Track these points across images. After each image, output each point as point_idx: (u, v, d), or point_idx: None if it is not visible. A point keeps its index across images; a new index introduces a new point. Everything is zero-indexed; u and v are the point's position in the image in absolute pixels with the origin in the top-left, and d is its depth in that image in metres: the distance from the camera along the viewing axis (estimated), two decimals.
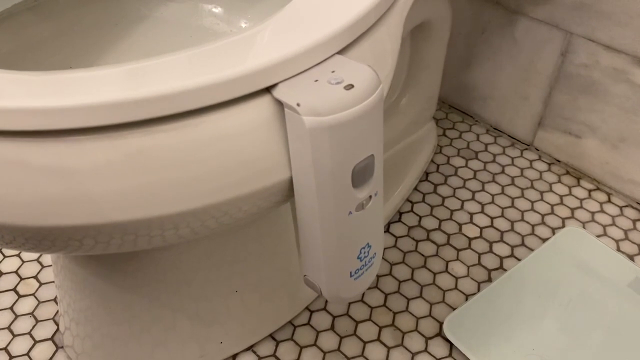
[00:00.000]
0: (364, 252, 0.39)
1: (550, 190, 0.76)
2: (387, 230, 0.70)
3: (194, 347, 0.54)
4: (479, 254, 0.67)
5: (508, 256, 0.67)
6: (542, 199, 0.75)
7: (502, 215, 0.72)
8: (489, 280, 0.64)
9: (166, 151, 0.30)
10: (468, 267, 0.66)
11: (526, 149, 0.83)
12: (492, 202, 0.74)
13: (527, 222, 0.71)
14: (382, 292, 0.63)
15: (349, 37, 0.35)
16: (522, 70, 0.78)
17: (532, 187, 0.76)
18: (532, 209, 0.73)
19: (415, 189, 0.76)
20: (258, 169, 0.33)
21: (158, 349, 0.53)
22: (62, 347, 0.57)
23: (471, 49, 0.82)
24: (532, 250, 0.68)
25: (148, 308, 0.51)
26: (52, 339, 0.58)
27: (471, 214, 0.72)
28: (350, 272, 0.38)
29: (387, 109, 0.74)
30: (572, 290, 0.62)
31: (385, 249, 0.68)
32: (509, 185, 0.77)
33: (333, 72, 0.33)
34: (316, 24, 0.34)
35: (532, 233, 0.70)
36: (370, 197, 0.36)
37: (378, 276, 0.64)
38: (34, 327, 0.59)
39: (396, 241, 0.69)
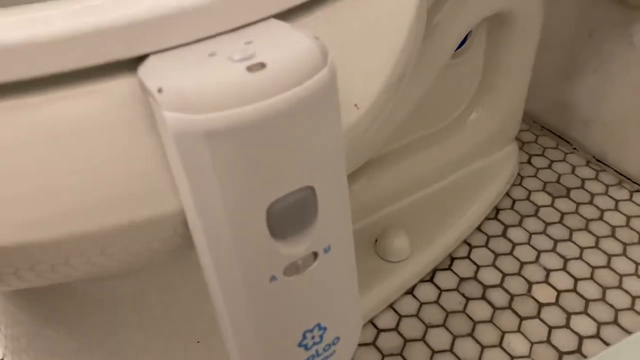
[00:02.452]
0: (312, 338, 0.25)
1: None
2: (430, 279, 0.54)
3: None
4: (550, 328, 0.50)
5: (591, 336, 0.49)
6: None
7: (592, 278, 0.54)
8: None
9: None
10: (532, 344, 0.49)
11: (638, 190, 0.63)
12: (580, 257, 0.56)
13: (627, 292, 0.52)
14: None
15: None
16: (639, 86, 0.59)
17: None
18: (637, 274, 0.54)
19: (479, 228, 0.60)
20: (126, 192, 0.21)
21: None
22: None
23: (573, 56, 0.64)
24: (628, 332, 0.49)
25: (91, 345, 0.41)
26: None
27: (548, 271, 0.55)
28: None
29: (448, 125, 0.59)
30: None
31: (422, 304, 0.52)
32: (607, 237, 0.58)
33: (248, 43, 0.19)
34: None
35: (632, 308, 0.51)
36: (316, 254, 0.22)
37: (405, 340, 0.49)
38: None
39: (440, 295, 0.53)
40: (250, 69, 0.18)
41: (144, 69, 0.19)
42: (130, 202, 0.21)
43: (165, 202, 0.21)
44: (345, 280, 0.25)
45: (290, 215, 0.20)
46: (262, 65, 0.18)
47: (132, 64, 0.19)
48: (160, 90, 0.18)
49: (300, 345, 0.24)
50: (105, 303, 0.39)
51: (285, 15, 0.22)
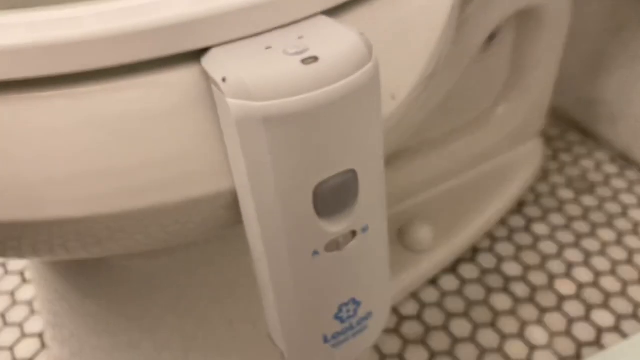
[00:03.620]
0: (347, 311, 0.26)
1: None
2: (453, 270, 0.56)
3: None
4: (571, 320, 0.51)
5: (611, 329, 0.50)
6: None
7: (614, 273, 0.55)
8: (578, 358, 0.48)
9: (40, 131, 0.21)
10: (552, 334, 0.50)
11: None
12: (603, 252, 0.57)
13: None
14: (428, 349, 0.49)
15: None
16: None
17: None
18: None
19: (502, 221, 0.61)
20: (185, 171, 0.23)
21: None
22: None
23: (601, 52, 0.65)
24: None
25: (126, 323, 0.43)
26: (41, 335, 0.52)
27: (571, 264, 0.56)
28: (325, 337, 0.27)
29: (475, 119, 0.60)
30: None
31: (444, 294, 0.54)
32: (630, 233, 0.59)
33: (300, 38, 0.21)
34: None
35: None
36: (354, 233, 0.24)
37: (428, 328, 0.51)
38: (27, 318, 0.53)
39: (462, 286, 0.54)
40: (304, 61, 0.20)
41: (207, 60, 0.21)
42: (186, 181, 0.23)
43: (218, 181, 0.23)
44: (378, 259, 0.27)
45: (334, 196, 0.22)
46: (315, 59, 0.20)
47: (195, 56, 0.22)
48: (224, 80, 0.20)
49: (336, 317, 0.26)
50: (139, 284, 0.41)
51: (332, 11, 0.24)
